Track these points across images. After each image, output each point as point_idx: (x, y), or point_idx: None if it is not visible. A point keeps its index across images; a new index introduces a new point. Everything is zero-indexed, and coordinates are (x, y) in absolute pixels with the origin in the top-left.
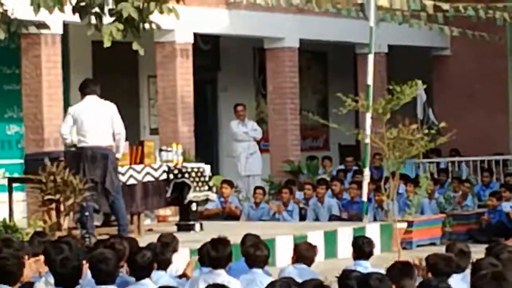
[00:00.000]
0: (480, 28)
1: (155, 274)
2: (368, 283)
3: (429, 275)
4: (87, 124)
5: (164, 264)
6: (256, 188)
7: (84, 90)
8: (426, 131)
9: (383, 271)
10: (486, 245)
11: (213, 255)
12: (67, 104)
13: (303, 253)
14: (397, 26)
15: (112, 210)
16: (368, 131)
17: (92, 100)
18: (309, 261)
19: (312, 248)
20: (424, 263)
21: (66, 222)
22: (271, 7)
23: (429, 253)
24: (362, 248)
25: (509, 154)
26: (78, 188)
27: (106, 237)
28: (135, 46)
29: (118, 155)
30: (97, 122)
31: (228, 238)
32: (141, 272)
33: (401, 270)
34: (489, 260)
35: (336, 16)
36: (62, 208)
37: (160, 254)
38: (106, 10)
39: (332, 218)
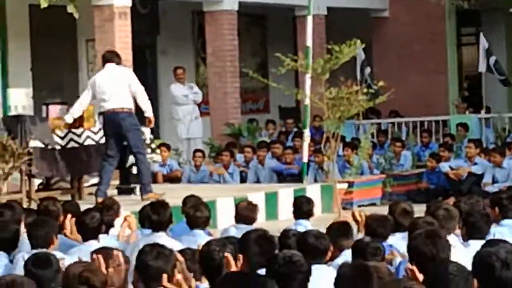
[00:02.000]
0: None
1: None
2: (306, 240)
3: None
4: (104, 89)
5: (106, 227)
6: (196, 151)
7: (104, 61)
8: (365, 90)
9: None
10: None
11: (154, 218)
12: (5, 68)
13: (243, 212)
14: None
15: (137, 168)
16: (307, 91)
17: (109, 68)
18: (250, 220)
19: (252, 207)
20: (363, 217)
21: (5, 187)
22: None
23: (369, 214)
24: (301, 208)
25: (448, 114)
26: (17, 153)
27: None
28: (69, 9)
29: (149, 114)
30: (113, 86)
31: (166, 201)
32: (89, 233)
33: (338, 230)
34: (425, 219)
35: None
36: (1, 172)
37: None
38: None
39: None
